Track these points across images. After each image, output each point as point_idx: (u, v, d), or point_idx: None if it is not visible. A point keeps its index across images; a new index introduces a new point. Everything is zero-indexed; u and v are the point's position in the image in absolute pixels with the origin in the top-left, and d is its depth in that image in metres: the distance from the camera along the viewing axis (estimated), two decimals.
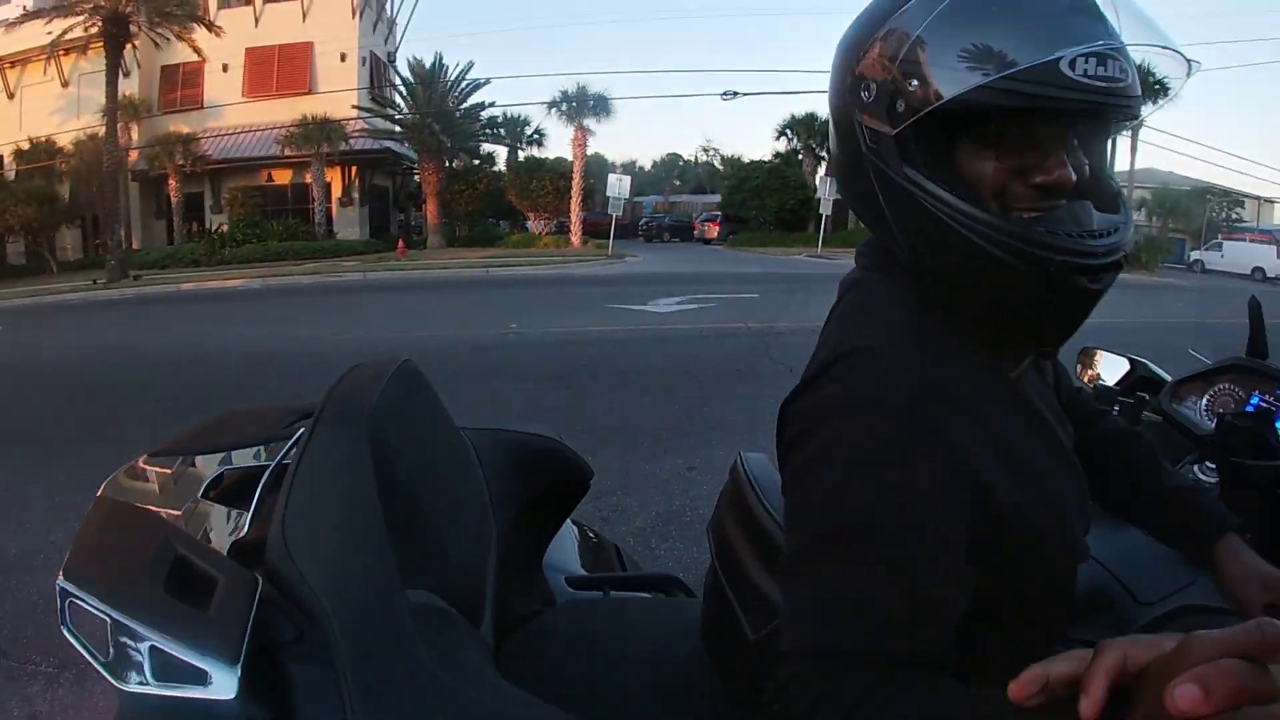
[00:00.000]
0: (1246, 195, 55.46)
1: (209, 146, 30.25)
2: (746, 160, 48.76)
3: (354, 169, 32.32)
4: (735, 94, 33.14)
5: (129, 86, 29.09)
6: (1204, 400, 2.15)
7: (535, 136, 39.18)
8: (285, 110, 29.95)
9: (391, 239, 31.06)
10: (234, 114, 31.13)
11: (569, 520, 1.83)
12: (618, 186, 29.33)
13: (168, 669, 0.88)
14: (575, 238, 33.53)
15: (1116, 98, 0.88)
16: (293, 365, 8.34)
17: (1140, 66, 0.91)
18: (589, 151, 36.37)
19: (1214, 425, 1.96)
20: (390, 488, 1.11)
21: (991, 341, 1.00)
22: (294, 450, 1.17)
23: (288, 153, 29.77)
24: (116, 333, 12.78)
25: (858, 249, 1.11)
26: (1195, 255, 43.63)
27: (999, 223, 0.89)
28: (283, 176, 32.30)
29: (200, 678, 0.88)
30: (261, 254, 26.76)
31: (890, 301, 1.00)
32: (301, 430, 1.24)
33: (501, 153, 42.12)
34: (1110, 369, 2.32)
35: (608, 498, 4.40)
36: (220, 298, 17.82)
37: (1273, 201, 59.86)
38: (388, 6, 36.27)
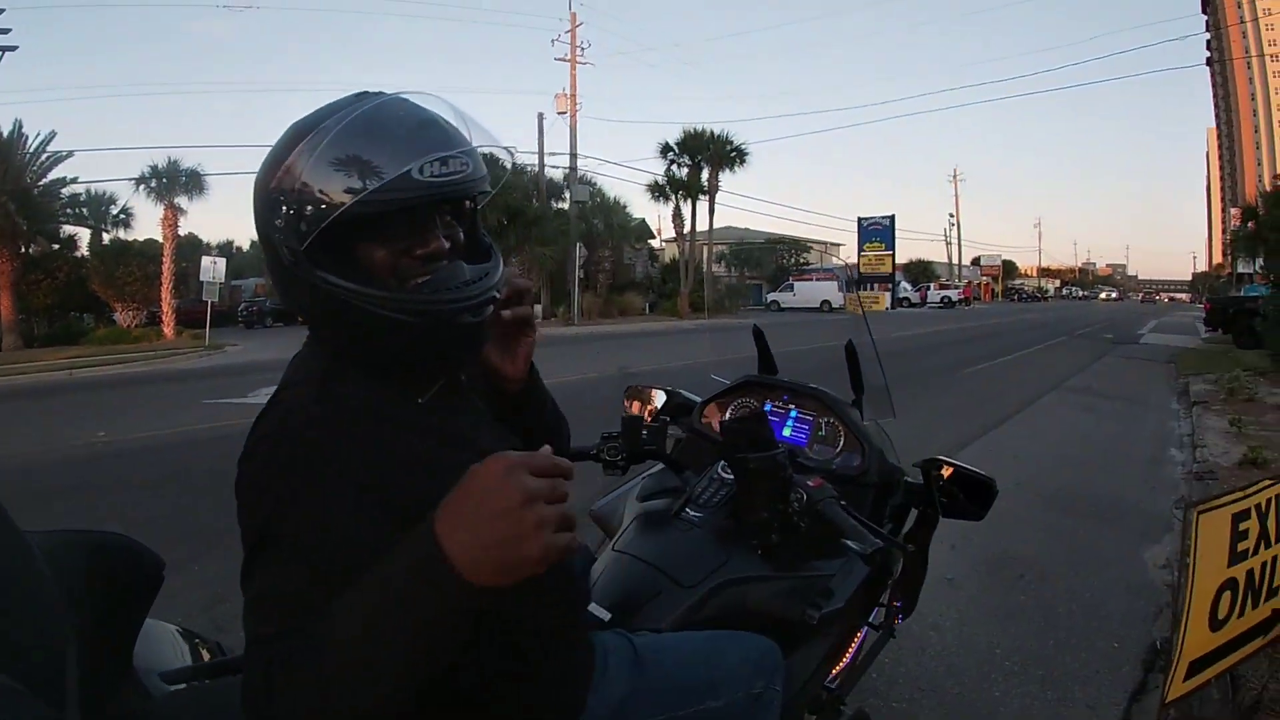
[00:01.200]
0: (813, 241, 62.39)
1: None
2: None
3: None
4: None
5: None
6: (728, 413, 2.52)
7: (122, 217, 34.43)
8: None
9: None
10: None
11: (165, 624, 1.78)
12: (212, 270, 27.12)
13: None
14: (168, 329, 30.35)
15: (459, 186, 1.16)
16: None
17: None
18: (182, 232, 33.46)
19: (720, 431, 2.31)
20: None
21: (406, 380, 1.25)
22: None
23: None
24: None
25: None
26: (771, 296, 47.98)
27: (398, 297, 1.15)
28: None
29: None
30: None
31: (309, 368, 1.23)
32: None
33: (85, 236, 36.97)
34: (655, 399, 2.64)
35: (222, 605, 4.02)
36: None
37: (838, 245, 68.09)
38: None
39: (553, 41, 37.59)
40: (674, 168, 41.20)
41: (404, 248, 1.18)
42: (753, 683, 1.65)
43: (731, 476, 2.06)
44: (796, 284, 51.12)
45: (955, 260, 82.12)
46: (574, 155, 36.39)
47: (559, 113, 36.16)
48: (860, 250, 55.48)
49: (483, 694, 1.26)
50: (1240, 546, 2.72)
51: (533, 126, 38.14)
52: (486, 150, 1.27)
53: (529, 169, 38.14)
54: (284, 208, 1.14)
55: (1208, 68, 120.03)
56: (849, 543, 1.73)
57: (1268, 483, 2.88)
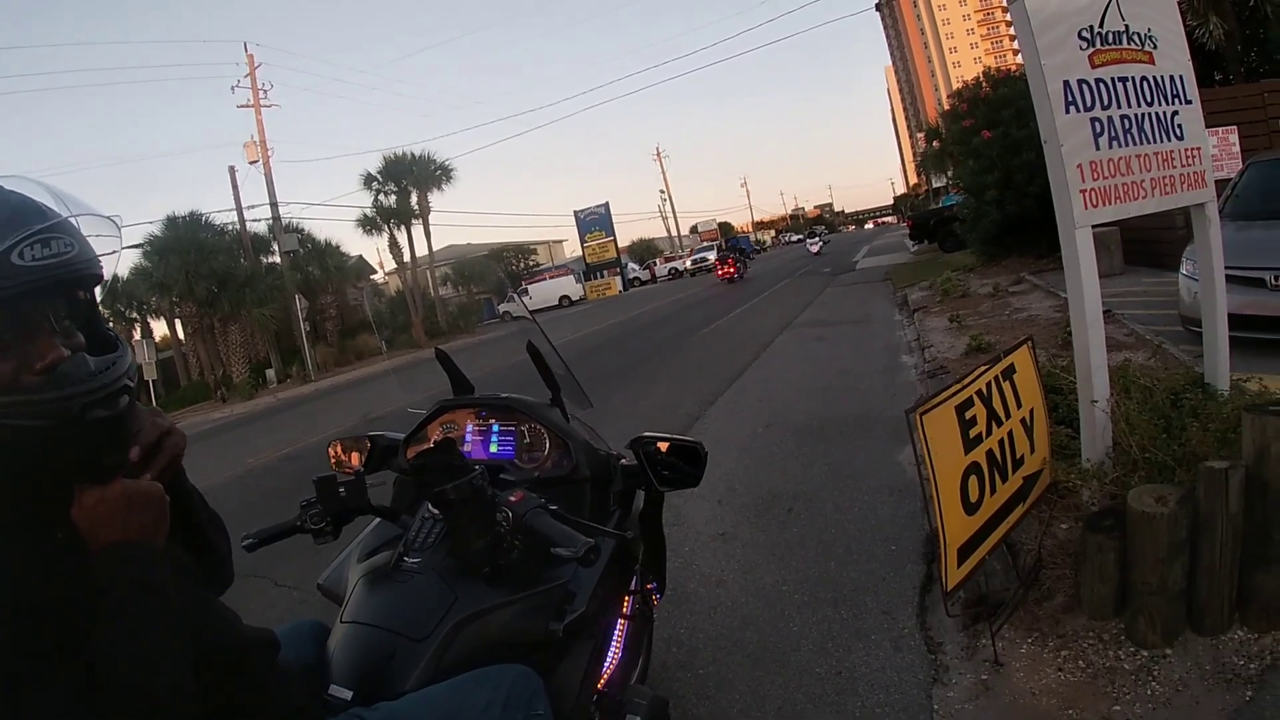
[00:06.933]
0: (537, 242, 63.41)
1: None
2: None
3: None
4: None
5: None
6: (432, 444, 2.35)
7: None
8: None
9: None
10: None
11: None
12: None
13: None
14: None
15: (70, 269, 1.02)
16: None
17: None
18: None
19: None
20: None
21: (39, 509, 1.09)
22: None
23: None
24: None
25: None
26: (503, 307, 47.90)
27: (19, 400, 0.99)
28: None
29: None
30: None
31: None
32: None
33: None
34: (358, 450, 2.49)
35: None
36: None
37: (560, 241, 69.37)
38: None
39: (233, 89, 35.21)
40: (381, 197, 40.31)
41: (22, 358, 1.02)
42: (512, 716, 1.61)
43: (439, 512, 2.00)
44: (531, 287, 51.17)
45: (674, 233, 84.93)
46: (274, 204, 34.27)
47: (250, 162, 33.97)
48: (583, 242, 56.55)
49: None
50: (972, 433, 2.88)
51: (229, 184, 35.65)
52: (89, 217, 1.09)
53: (230, 228, 35.89)
54: None
55: (878, 12, 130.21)
56: (559, 550, 1.70)
57: (983, 369, 3.06)
